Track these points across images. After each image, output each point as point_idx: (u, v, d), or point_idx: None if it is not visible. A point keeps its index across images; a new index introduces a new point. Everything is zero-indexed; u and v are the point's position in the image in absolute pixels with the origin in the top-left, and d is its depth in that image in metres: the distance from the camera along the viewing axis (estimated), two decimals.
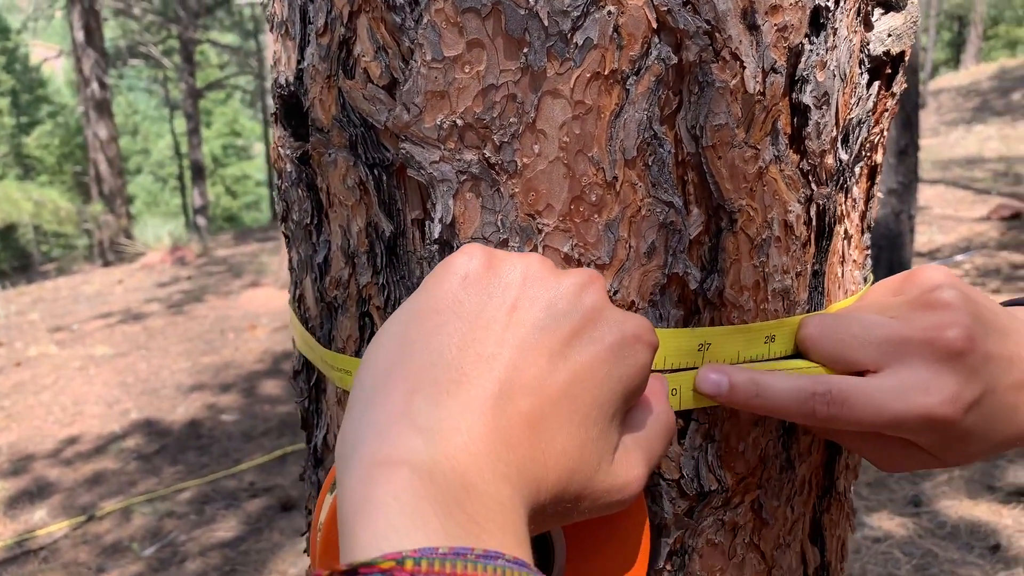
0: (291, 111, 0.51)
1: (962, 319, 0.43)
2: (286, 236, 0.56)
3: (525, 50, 0.41)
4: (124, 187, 13.18)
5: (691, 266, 0.44)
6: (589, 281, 0.37)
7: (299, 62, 0.48)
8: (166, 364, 5.54)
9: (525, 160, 0.42)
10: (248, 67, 20.02)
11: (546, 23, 0.40)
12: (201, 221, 15.96)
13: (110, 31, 17.18)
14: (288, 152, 0.51)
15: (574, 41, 0.40)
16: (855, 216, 0.53)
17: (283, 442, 3.85)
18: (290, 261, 0.56)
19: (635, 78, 0.41)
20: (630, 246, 0.43)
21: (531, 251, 0.43)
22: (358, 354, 0.49)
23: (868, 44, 0.48)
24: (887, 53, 0.49)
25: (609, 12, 0.40)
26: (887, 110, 0.51)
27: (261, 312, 7.51)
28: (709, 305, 0.45)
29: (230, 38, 20.94)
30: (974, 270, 5.48)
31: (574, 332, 0.36)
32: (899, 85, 0.52)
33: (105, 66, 12.63)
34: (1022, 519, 2.62)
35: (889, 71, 0.51)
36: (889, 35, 0.49)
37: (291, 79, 0.49)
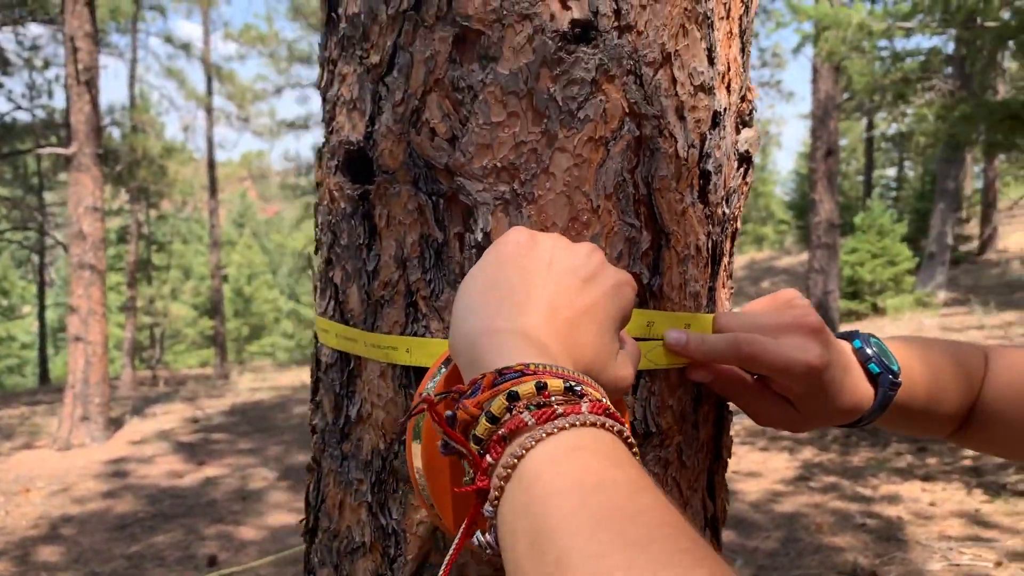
0: (351, 163, 0.70)
1: (815, 313, 0.69)
2: (329, 259, 0.74)
3: (545, 120, 0.64)
4: None
5: (644, 268, 0.67)
6: (595, 248, 0.59)
7: (368, 127, 0.68)
8: None
9: (539, 192, 0.64)
10: (32, 221, 18.99)
11: (560, 104, 0.64)
12: None
13: None
14: (349, 192, 0.70)
15: (578, 116, 0.64)
16: (726, 260, 0.79)
17: None
18: (329, 280, 0.74)
19: (614, 142, 0.65)
20: (607, 252, 0.66)
21: None
22: (403, 334, 0.67)
23: (737, 142, 0.75)
24: (747, 151, 0.76)
25: (600, 100, 0.64)
26: (746, 189, 0.78)
27: (36, 474, 6.97)
28: (653, 296, 0.68)
29: (7, 191, 19.86)
30: None
31: (588, 276, 0.57)
32: (751, 176, 0.79)
33: None
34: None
35: (746, 166, 0.78)
36: (747, 140, 0.76)
37: (358, 139, 0.69)
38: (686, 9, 0.66)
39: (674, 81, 0.66)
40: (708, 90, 0.69)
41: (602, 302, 0.56)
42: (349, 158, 0.70)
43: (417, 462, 0.56)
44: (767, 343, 0.66)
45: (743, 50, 0.74)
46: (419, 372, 0.67)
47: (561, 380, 0.46)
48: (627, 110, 0.65)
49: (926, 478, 5.96)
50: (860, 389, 0.72)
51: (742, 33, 0.74)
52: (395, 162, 0.67)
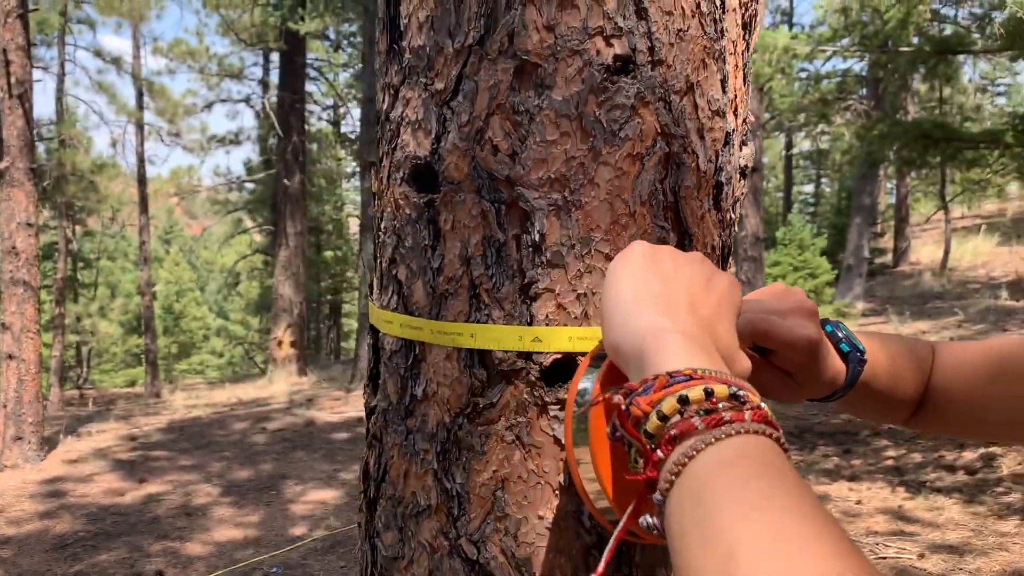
0: (417, 175, 0.81)
1: (809, 299, 0.82)
2: (393, 259, 0.84)
3: (592, 139, 0.76)
4: None
5: None
6: (702, 256, 0.69)
7: (434, 144, 0.79)
8: None
9: (586, 200, 0.76)
10: None
11: (604, 125, 0.76)
12: None
13: None
14: (415, 200, 0.81)
15: (619, 136, 0.76)
16: (731, 258, 0.91)
17: None
18: (393, 277, 0.84)
19: (648, 157, 0.77)
20: None
21: (588, 252, 0.76)
22: (467, 322, 0.78)
23: (741, 158, 0.88)
24: (745, 166, 0.90)
25: (637, 122, 0.76)
26: (743, 198, 0.91)
27: None
28: None
29: None
30: None
31: (708, 278, 0.66)
32: (747, 185, 0.92)
33: None
34: None
35: (744, 178, 0.91)
36: (745, 156, 0.90)
37: (424, 154, 0.80)
38: (705, 47, 0.79)
39: (696, 107, 0.79)
40: (722, 114, 0.82)
41: (726, 298, 0.65)
42: (415, 171, 0.81)
43: (580, 445, 0.65)
44: (776, 322, 0.79)
45: (745, 80, 0.88)
46: (482, 354, 0.78)
47: (726, 386, 0.52)
48: (659, 130, 0.77)
49: (852, 478, 6.25)
50: (836, 364, 0.85)
51: (744, 67, 0.87)
52: (460, 174, 0.78)
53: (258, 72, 19.47)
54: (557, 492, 0.77)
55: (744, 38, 0.86)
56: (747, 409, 0.51)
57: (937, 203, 22.80)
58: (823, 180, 34.16)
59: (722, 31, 0.81)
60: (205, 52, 17.64)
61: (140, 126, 15.93)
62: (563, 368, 0.77)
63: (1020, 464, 6.05)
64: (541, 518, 0.77)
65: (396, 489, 0.84)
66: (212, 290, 32.66)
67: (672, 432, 0.51)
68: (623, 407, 0.55)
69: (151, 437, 8.75)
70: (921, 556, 4.61)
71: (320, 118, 22.73)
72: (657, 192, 0.78)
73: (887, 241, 26.45)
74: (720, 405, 0.51)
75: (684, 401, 0.51)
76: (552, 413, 0.77)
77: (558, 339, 0.76)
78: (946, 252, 19.24)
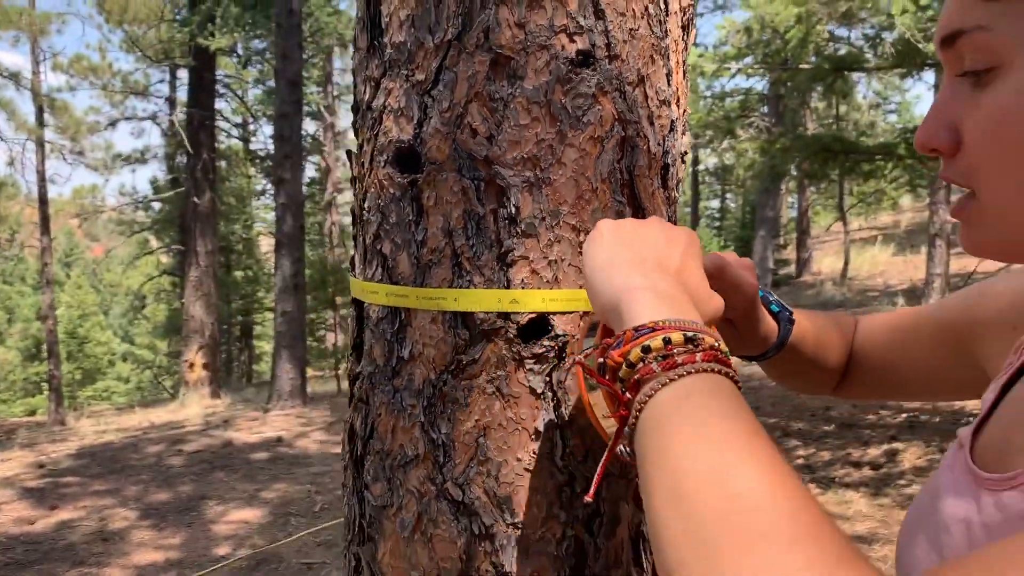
0: (400, 158, 0.90)
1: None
2: (377, 235, 0.92)
3: (559, 123, 0.86)
4: None
5: None
6: (659, 218, 0.79)
7: (416, 129, 0.88)
8: None
9: (554, 177, 0.86)
10: None
11: (570, 112, 0.86)
12: None
13: None
14: (399, 180, 0.89)
15: (583, 121, 0.87)
16: None
17: None
18: (377, 251, 0.92)
19: (607, 140, 0.88)
20: None
21: (557, 223, 0.86)
22: (450, 287, 0.87)
23: (682, 144, 1.00)
24: (685, 151, 1.01)
25: (598, 109, 0.87)
26: (683, 180, 1.03)
27: None
28: None
29: None
30: None
31: (668, 236, 0.75)
32: (685, 169, 1.04)
33: None
34: None
35: (684, 163, 1.03)
36: (685, 143, 1.02)
37: (408, 138, 0.89)
38: (653, 44, 0.91)
39: (646, 96, 0.90)
40: (668, 104, 0.93)
41: (688, 249, 0.74)
42: (399, 153, 0.90)
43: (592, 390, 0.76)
44: (729, 260, 0.89)
45: (684, 75, 1.00)
46: (464, 316, 0.87)
47: (682, 332, 0.61)
48: (616, 117, 0.88)
49: None
50: (769, 322, 0.95)
51: (684, 63, 0.99)
52: (442, 155, 0.87)
53: (165, 89, 19.03)
54: (533, 437, 0.87)
55: (683, 39, 0.98)
56: (699, 351, 0.61)
57: (836, 215, 23.89)
58: (728, 195, 35.31)
59: (666, 31, 0.93)
60: (108, 68, 17.16)
61: (41, 144, 15.38)
62: (537, 326, 0.87)
63: (920, 458, 6.44)
64: (519, 460, 0.87)
65: (384, 444, 0.92)
66: (116, 314, 31.56)
67: (636, 377, 0.61)
68: (601, 361, 0.66)
69: (60, 463, 8.44)
70: None
71: (229, 135, 22.33)
72: (615, 171, 0.89)
73: (790, 253, 27.50)
74: (675, 351, 0.60)
75: (647, 350, 0.61)
76: (528, 366, 0.87)
77: (533, 300, 0.86)
78: (846, 262, 20.16)
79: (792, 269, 26.12)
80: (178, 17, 16.07)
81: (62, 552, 5.82)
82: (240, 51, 19.89)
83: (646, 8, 0.90)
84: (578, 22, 0.86)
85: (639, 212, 0.91)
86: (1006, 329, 0.82)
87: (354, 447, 0.97)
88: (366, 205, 0.95)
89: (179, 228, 18.23)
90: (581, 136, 0.87)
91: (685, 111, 1.01)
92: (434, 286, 0.88)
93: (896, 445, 6.71)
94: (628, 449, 0.66)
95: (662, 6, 0.92)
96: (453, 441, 0.88)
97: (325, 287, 15.62)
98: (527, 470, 0.87)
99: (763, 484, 0.50)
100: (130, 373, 27.07)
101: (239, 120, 22.95)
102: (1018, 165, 0.58)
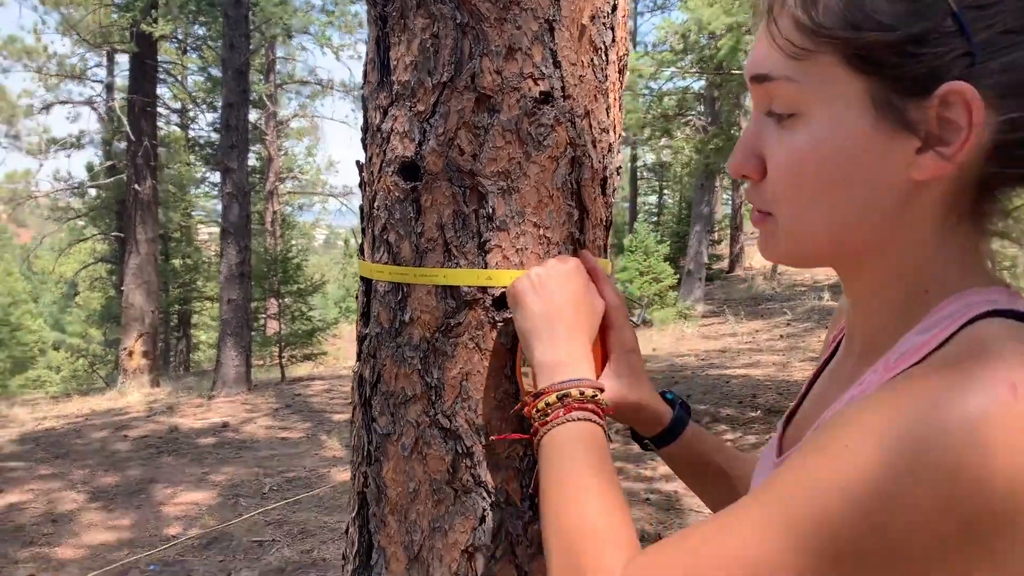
0: (404, 169, 1.18)
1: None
2: (385, 227, 1.20)
3: (526, 146, 1.15)
4: None
5: (576, 230, 1.20)
6: (567, 274, 1.10)
7: (417, 148, 1.16)
8: None
9: (522, 187, 1.15)
10: None
11: (534, 137, 1.15)
12: None
13: None
14: (403, 186, 1.17)
15: (544, 144, 1.16)
16: (610, 231, 1.33)
17: None
18: (384, 240, 1.20)
19: (562, 159, 1.17)
20: (559, 222, 1.18)
21: (523, 221, 1.15)
22: (442, 267, 1.15)
23: (617, 161, 1.30)
24: (619, 167, 1.32)
25: (555, 135, 1.16)
26: (617, 189, 1.34)
27: None
28: (581, 245, 1.21)
29: None
30: None
31: (576, 299, 1.07)
32: (619, 179, 1.34)
33: None
34: None
35: (619, 176, 1.33)
36: (619, 161, 1.32)
37: (410, 155, 1.17)
38: (596, 87, 1.21)
39: (591, 126, 1.20)
40: (607, 131, 1.23)
41: (582, 308, 1.06)
42: (403, 166, 1.18)
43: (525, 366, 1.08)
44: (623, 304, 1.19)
45: (620, 108, 1.30)
46: (452, 289, 1.15)
47: (568, 390, 0.95)
48: (568, 141, 1.18)
49: None
50: (658, 400, 1.14)
51: (619, 99, 1.29)
52: (437, 168, 1.15)
53: (102, 73, 18.77)
54: (503, 381, 1.16)
55: (619, 80, 1.28)
56: (575, 404, 0.94)
57: None
58: (665, 191, 36.08)
59: (606, 76, 1.23)
60: (43, 51, 16.89)
61: None
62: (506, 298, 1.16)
63: None
64: (493, 398, 1.16)
65: (389, 387, 1.20)
66: (47, 302, 30.88)
67: (538, 422, 0.97)
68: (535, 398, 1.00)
69: (3, 449, 8.45)
70: None
71: (169, 121, 22.09)
72: (567, 182, 1.19)
73: (724, 248, 28.30)
74: (565, 404, 0.95)
75: (548, 404, 0.96)
76: (499, 328, 1.16)
77: (504, 278, 1.14)
78: None
79: (725, 264, 26.89)
80: (118, 1, 15.90)
81: (11, 533, 5.92)
82: (181, 37, 19.70)
83: (591, 60, 1.20)
84: (541, 70, 1.15)
85: (584, 213, 1.21)
86: None
87: (363, 391, 1.25)
88: (375, 204, 1.22)
89: (117, 215, 18.02)
90: (542, 156, 1.16)
91: (619, 135, 1.32)
92: (429, 267, 1.16)
93: None
94: (536, 439, 1.01)
95: (603, 57, 1.22)
96: (443, 384, 1.16)
97: (268, 275, 15.63)
98: (498, 405, 1.16)
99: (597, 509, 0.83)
100: (63, 362, 26.59)
101: (178, 106, 22.69)
102: (807, 198, 0.71)
